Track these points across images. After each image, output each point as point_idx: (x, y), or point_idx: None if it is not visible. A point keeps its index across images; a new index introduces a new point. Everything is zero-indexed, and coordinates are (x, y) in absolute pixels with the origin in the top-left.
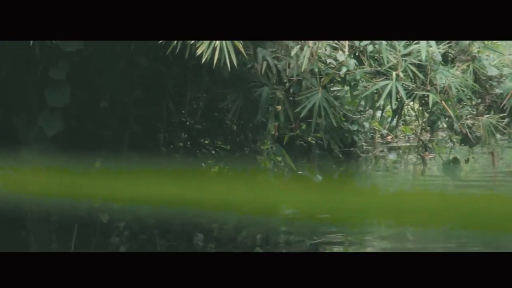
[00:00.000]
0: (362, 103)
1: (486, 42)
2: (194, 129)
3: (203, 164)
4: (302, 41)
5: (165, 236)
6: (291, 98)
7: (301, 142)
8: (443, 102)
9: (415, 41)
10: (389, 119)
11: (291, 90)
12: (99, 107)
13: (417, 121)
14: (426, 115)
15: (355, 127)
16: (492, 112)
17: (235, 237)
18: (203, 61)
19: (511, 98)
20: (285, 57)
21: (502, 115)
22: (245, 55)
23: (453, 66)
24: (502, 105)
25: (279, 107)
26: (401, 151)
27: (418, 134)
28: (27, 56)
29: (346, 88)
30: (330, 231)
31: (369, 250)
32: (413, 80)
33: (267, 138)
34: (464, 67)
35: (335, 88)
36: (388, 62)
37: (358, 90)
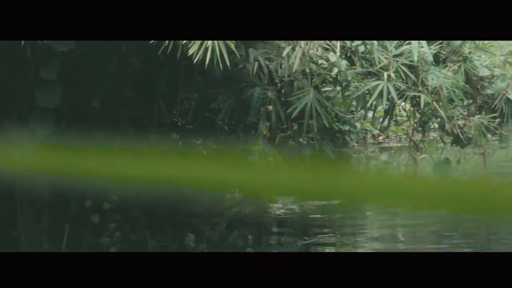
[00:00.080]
0: (354, 103)
1: (477, 42)
2: (185, 129)
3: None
4: (294, 42)
5: (156, 237)
6: (283, 99)
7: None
8: (434, 103)
9: (407, 42)
10: (381, 120)
11: (282, 90)
12: (91, 107)
13: (408, 122)
14: (418, 115)
15: (346, 128)
16: (483, 113)
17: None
18: (194, 61)
19: (502, 98)
20: (277, 58)
21: (494, 115)
22: (237, 55)
23: (445, 67)
24: (493, 105)
25: (271, 107)
26: (392, 151)
27: (410, 135)
28: (19, 56)
29: (338, 88)
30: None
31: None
32: (404, 81)
33: (259, 138)
34: (456, 67)
35: (326, 89)
36: (379, 63)
37: (349, 91)
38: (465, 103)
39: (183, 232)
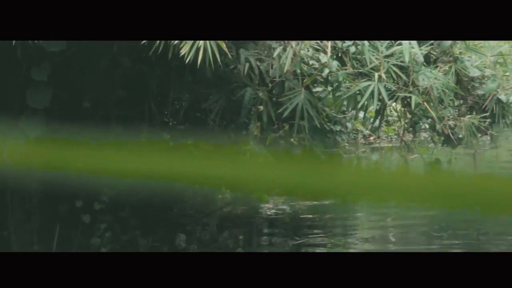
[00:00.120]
0: (345, 103)
1: (468, 43)
2: (176, 129)
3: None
4: (285, 42)
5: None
6: (274, 99)
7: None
8: (425, 103)
9: (397, 43)
10: (372, 120)
11: (273, 91)
12: (82, 108)
13: (399, 122)
14: (409, 116)
15: (337, 128)
16: (474, 113)
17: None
18: (186, 61)
19: (493, 99)
20: (268, 58)
21: (484, 114)
22: (229, 55)
23: (436, 67)
24: (484, 106)
25: (261, 108)
26: (383, 151)
27: (401, 135)
28: (10, 57)
29: (329, 89)
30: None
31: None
32: (395, 81)
33: (250, 138)
34: (446, 68)
35: (317, 89)
36: (370, 63)
37: (340, 91)
38: (455, 103)
39: (174, 232)
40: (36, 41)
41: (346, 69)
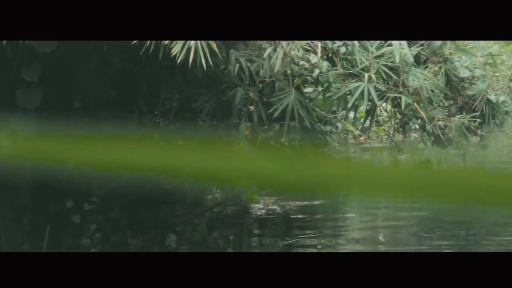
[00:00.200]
0: (335, 103)
1: (458, 43)
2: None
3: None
4: (275, 42)
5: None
6: (265, 99)
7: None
8: (415, 104)
9: (388, 43)
10: (362, 120)
11: (263, 91)
12: (72, 108)
13: (389, 122)
14: (399, 116)
15: (328, 128)
16: (464, 114)
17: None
18: (177, 61)
19: (483, 99)
20: (258, 59)
21: (474, 114)
22: (219, 55)
23: (426, 68)
24: (474, 106)
25: (252, 108)
26: (374, 151)
27: (391, 135)
28: (0, 57)
29: (320, 89)
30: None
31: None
32: (385, 82)
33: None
34: (436, 68)
35: (308, 90)
36: (361, 64)
37: (331, 92)
38: (445, 104)
39: (164, 233)
40: (26, 41)
41: (336, 70)
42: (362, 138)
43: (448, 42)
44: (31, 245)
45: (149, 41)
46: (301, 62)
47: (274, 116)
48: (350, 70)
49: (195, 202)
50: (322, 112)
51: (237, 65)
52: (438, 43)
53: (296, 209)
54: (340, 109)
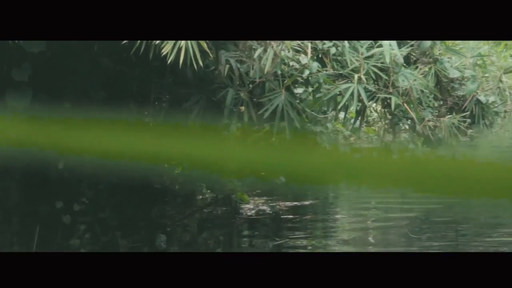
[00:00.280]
0: (326, 103)
1: (447, 44)
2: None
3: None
4: (266, 43)
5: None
6: (255, 100)
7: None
8: (405, 105)
9: (378, 44)
10: (352, 121)
11: (253, 92)
12: (62, 108)
13: (380, 123)
14: (389, 116)
15: (318, 129)
16: (454, 114)
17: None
18: (168, 61)
19: (472, 100)
20: (248, 60)
21: (464, 114)
22: (210, 55)
23: (416, 68)
24: (464, 107)
25: (243, 108)
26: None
27: (381, 136)
28: None
29: (310, 89)
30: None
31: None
32: (375, 82)
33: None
34: (426, 69)
35: (298, 91)
36: (351, 64)
37: (321, 93)
38: (435, 104)
39: (154, 233)
40: (16, 41)
41: (326, 70)
42: (352, 139)
43: (438, 43)
44: (21, 245)
45: (139, 41)
46: (291, 63)
47: (264, 117)
48: (340, 71)
49: (185, 202)
50: (313, 112)
51: (227, 66)
52: (428, 43)
53: (286, 209)
54: (330, 109)
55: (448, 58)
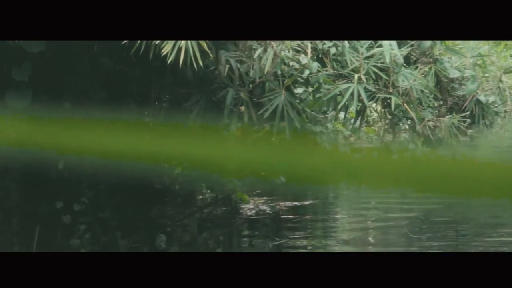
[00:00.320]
0: (326, 103)
1: (448, 44)
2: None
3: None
4: (266, 43)
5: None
6: (255, 100)
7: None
8: (405, 105)
9: (378, 44)
10: (352, 121)
11: (253, 92)
12: (62, 108)
13: (380, 123)
14: (389, 116)
15: (318, 129)
16: (454, 114)
17: None
18: (168, 61)
19: (472, 100)
20: (248, 60)
21: (464, 114)
22: (210, 55)
23: (416, 68)
24: (464, 107)
25: (243, 108)
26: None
27: (381, 136)
28: None
29: (310, 89)
30: None
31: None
32: (375, 82)
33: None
34: (426, 69)
35: (298, 91)
36: (351, 64)
37: (321, 93)
38: (435, 104)
39: (154, 233)
40: (16, 41)
41: (326, 70)
42: (352, 139)
43: (438, 43)
44: (21, 245)
45: (139, 41)
46: (291, 63)
47: (264, 117)
48: (340, 71)
49: (185, 202)
50: (313, 112)
51: (227, 66)
52: (428, 43)
53: (287, 209)
54: (330, 109)
55: (448, 58)
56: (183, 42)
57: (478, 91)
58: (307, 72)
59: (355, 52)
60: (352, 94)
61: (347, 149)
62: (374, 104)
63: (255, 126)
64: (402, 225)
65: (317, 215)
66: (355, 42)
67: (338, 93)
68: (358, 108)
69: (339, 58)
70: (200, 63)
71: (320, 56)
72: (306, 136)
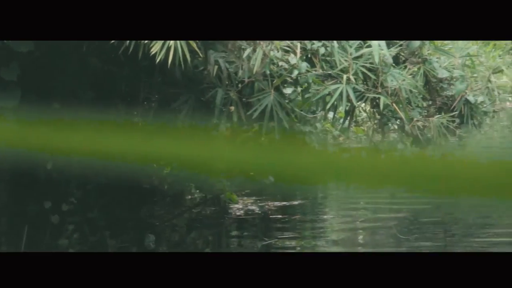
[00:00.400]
0: (314, 103)
1: (436, 44)
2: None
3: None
4: (255, 43)
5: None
6: (244, 100)
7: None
8: (394, 104)
9: (367, 44)
10: (341, 121)
11: (243, 92)
12: (51, 109)
13: (369, 122)
14: (378, 116)
15: (307, 129)
16: (442, 114)
17: None
18: (157, 61)
19: (461, 100)
20: (237, 60)
21: (453, 114)
22: (200, 54)
23: (404, 68)
24: (453, 107)
25: (232, 108)
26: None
27: (370, 136)
28: None
29: (299, 89)
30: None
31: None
32: (364, 82)
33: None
34: (415, 69)
35: (287, 91)
36: (340, 65)
37: (310, 93)
38: (424, 104)
39: (143, 233)
40: (4, 41)
41: (315, 71)
42: (341, 139)
43: (427, 43)
44: (9, 245)
45: (128, 41)
46: (280, 63)
47: (253, 117)
48: (329, 71)
49: (174, 202)
50: (302, 112)
51: (216, 66)
52: (417, 43)
53: (275, 209)
54: (319, 109)
55: (437, 58)
56: (172, 42)
57: (467, 91)
58: (296, 72)
59: (344, 52)
60: (341, 94)
61: (336, 149)
62: (363, 104)
63: (244, 126)
64: (391, 226)
65: (306, 215)
66: (344, 42)
67: (327, 93)
68: (347, 108)
69: (328, 58)
70: (189, 63)
71: (309, 56)
72: (295, 136)
